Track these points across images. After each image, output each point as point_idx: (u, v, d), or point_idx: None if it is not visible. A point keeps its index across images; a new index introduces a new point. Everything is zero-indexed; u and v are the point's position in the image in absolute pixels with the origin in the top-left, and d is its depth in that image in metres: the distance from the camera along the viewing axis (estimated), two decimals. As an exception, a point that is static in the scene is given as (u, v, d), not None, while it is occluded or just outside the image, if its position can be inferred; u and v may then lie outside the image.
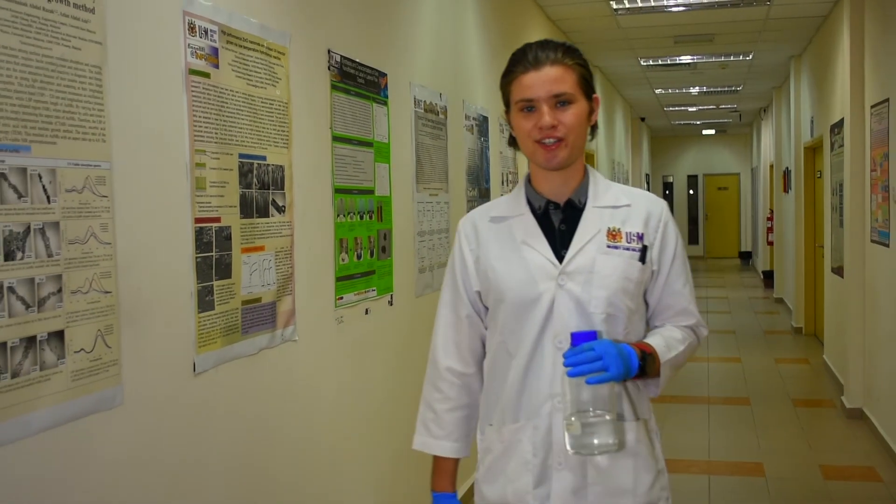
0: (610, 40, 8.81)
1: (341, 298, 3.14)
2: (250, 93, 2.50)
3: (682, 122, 18.84)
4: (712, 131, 21.04)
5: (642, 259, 1.85)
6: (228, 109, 2.39)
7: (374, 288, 3.43)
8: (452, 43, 4.70)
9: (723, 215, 22.35)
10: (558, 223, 1.87)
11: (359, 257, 3.28)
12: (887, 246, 5.47)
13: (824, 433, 6.03)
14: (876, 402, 5.93)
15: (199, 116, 2.26)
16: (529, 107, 1.80)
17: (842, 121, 6.80)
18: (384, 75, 3.57)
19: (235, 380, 2.44)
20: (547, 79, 1.78)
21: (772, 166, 13.82)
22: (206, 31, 2.29)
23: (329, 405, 3.04)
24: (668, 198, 22.39)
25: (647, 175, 19.34)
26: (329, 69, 3.05)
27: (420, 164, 4.00)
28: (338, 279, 3.11)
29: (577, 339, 1.69)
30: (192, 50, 2.23)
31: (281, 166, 2.67)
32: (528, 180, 1.92)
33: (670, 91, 13.17)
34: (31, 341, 1.69)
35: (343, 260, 3.15)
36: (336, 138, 3.09)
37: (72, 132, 1.80)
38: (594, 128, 1.88)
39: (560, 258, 1.83)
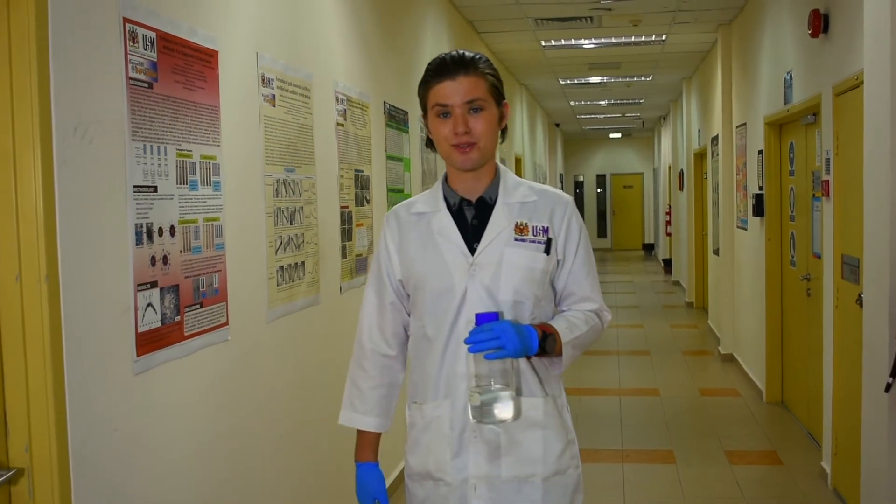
0: (537, 66, 10.73)
1: (391, 259, 4.89)
2: (356, 133, 4.24)
3: (592, 128, 20.90)
4: (619, 135, 23.15)
5: (547, 251, 1.97)
6: (349, 143, 4.12)
7: (405, 254, 5.19)
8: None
9: (628, 211, 24.38)
10: (471, 218, 2.00)
11: (398, 233, 5.04)
12: (746, 230, 7.49)
13: (704, 370, 8.05)
14: (741, 349, 7.97)
15: (340, 148, 3.99)
16: (445, 112, 1.91)
17: (718, 136, 8.84)
18: (406, 112, 5.32)
19: (352, 302, 4.17)
20: (461, 87, 1.90)
21: (670, 168, 15.98)
22: (341, 100, 4.02)
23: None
24: (579, 195, 24.41)
25: (560, 174, 21.29)
26: (384, 114, 4.80)
27: (424, 171, 5.77)
28: (389, 247, 4.86)
29: (480, 319, 1.83)
30: (337, 111, 3.96)
31: (368, 175, 4.41)
32: (445, 179, 2.05)
33: (583, 103, 15.22)
34: (295, 265, 3.41)
35: (391, 234, 4.90)
36: (388, 157, 4.84)
37: (305, 161, 3.52)
38: (504, 131, 2.00)
39: (472, 250, 1.96)
